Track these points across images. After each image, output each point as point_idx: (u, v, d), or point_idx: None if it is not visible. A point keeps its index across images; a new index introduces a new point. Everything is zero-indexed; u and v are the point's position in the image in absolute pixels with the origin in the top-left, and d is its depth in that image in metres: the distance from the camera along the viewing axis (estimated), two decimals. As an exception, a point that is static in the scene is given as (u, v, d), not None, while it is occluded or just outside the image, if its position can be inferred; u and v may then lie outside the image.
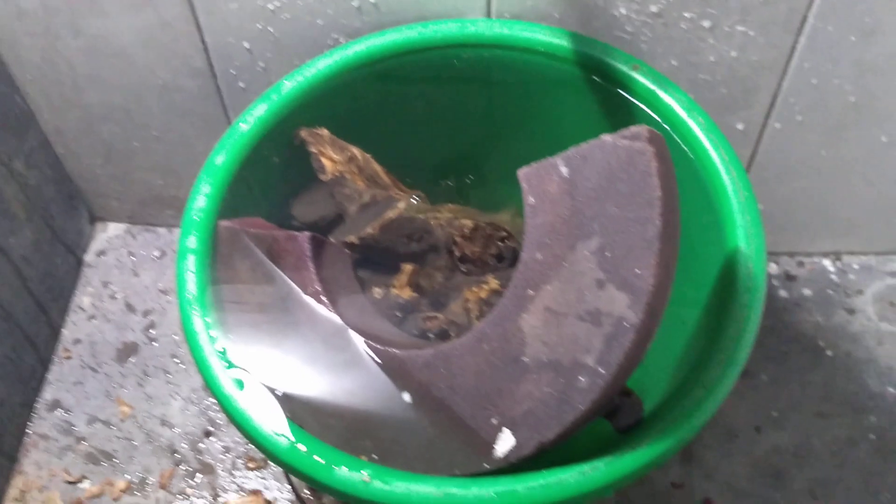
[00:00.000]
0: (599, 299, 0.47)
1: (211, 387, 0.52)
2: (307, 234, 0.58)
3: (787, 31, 0.69)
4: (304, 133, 0.65)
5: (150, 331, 0.92)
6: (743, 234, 0.57)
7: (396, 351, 0.53)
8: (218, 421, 0.86)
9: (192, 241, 0.58)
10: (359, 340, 0.55)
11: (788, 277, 0.93)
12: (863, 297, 0.91)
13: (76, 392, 0.88)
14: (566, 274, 0.48)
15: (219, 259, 0.58)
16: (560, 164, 0.48)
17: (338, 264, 0.60)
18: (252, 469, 0.83)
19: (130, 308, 0.94)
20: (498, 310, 0.50)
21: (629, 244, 0.46)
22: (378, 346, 0.54)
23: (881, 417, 0.84)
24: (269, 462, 0.83)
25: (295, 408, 0.52)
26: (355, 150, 0.66)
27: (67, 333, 0.92)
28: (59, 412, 0.87)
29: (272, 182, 0.66)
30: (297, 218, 0.65)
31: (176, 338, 0.91)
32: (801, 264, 0.94)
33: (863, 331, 0.89)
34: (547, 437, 0.48)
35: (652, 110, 0.64)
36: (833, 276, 0.93)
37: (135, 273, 0.96)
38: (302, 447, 0.49)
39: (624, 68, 0.64)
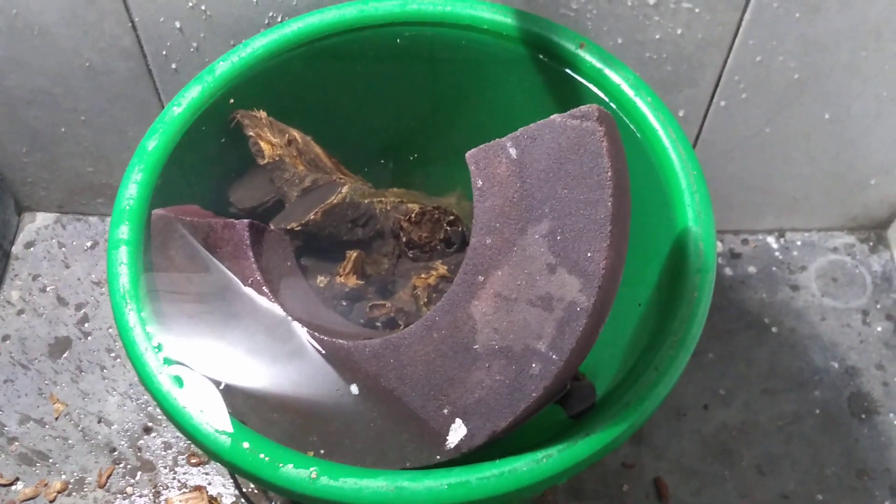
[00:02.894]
0: (551, 284, 0.45)
1: (147, 385, 0.50)
2: (245, 221, 0.56)
3: (733, 7, 0.69)
4: (240, 115, 0.62)
5: (84, 325, 0.88)
6: (692, 214, 0.56)
7: (343, 341, 0.51)
8: (158, 416, 0.83)
9: (124, 232, 0.55)
10: (302, 332, 0.53)
11: (733, 255, 0.94)
12: (806, 273, 0.92)
13: (7, 390, 0.84)
14: (517, 258, 0.46)
15: (153, 250, 0.55)
16: (509, 146, 0.47)
17: (279, 253, 0.57)
18: (194, 465, 0.80)
19: (62, 301, 0.90)
20: (448, 297, 0.48)
21: (580, 227, 0.45)
22: (323, 338, 0.52)
23: (825, 392, 0.85)
24: (212, 457, 0.81)
25: (237, 404, 0.49)
26: (295, 133, 0.64)
27: (-5, 329, 0.88)
28: (-12, 412, 0.83)
29: (208, 167, 0.63)
30: (236, 204, 0.62)
31: (111, 331, 0.88)
32: (745, 242, 0.95)
33: (806, 307, 0.90)
34: (499, 425, 0.47)
35: (599, 89, 0.63)
36: (777, 254, 0.94)
37: (66, 265, 0.92)
38: (245, 445, 0.47)
39: (570, 47, 0.63)
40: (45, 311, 0.89)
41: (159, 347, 0.50)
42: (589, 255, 0.45)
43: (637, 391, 0.50)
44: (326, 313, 0.57)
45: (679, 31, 0.71)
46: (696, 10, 0.69)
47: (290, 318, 0.53)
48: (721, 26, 0.70)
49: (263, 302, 0.54)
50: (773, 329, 0.89)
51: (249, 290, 0.54)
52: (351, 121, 0.68)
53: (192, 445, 0.81)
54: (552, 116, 0.46)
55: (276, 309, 0.54)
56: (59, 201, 0.94)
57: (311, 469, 0.46)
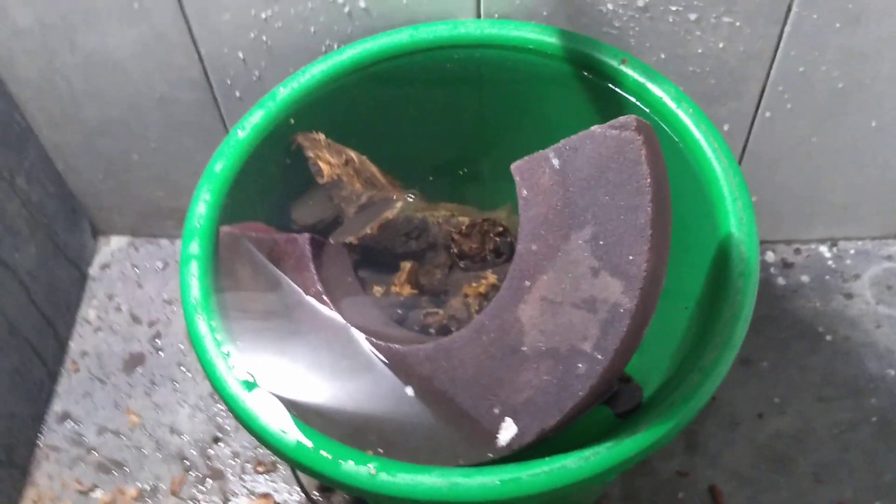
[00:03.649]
0: (594, 287, 0.48)
1: (218, 389, 0.53)
2: (307, 235, 0.59)
3: (773, 20, 0.70)
4: (300, 138, 0.66)
5: (156, 341, 0.93)
6: (735, 220, 0.58)
7: (398, 346, 0.54)
8: (226, 427, 0.87)
9: (195, 247, 0.59)
10: (361, 338, 0.56)
11: (786, 265, 0.94)
12: (860, 281, 0.92)
13: (85, 403, 0.89)
14: (561, 263, 0.49)
15: (221, 264, 0.59)
16: (551, 157, 0.49)
17: (338, 265, 0.61)
18: (261, 473, 0.84)
19: (136, 319, 0.95)
20: (496, 302, 0.51)
21: (621, 232, 0.47)
22: (380, 343, 0.55)
23: (881, 399, 0.85)
24: (278, 465, 0.84)
25: (300, 405, 0.52)
26: (352, 153, 0.67)
27: (74, 346, 0.93)
28: (68, 423, 0.88)
29: (271, 187, 0.67)
30: (297, 221, 0.66)
31: (182, 347, 0.92)
32: (797, 251, 0.95)
33: (861, 315, 0.90)
34: (548, 423, 0.49)
35: (642, 103, 0.65)
36: (830, 262, 0.94)
37: (139, 285, 0.97)
38: (308, 443, 0.50)
39: (613, 63, 0.65)
40: (120, 329, 0.94)
41: (228, 354, 0.54)
42: (630, 258, 0.47)
43: (682, 392, 0.51)
44: (383, 321, 0.60)
45: (721, 45, 0.73)
46: (737, 24, 0.71)
47: (348, 325, 0.56)
48: (762, 39, 0.72)
49: (324, 310, 0.57)
50: (828, 337, 0.89)
51: (311, 300, 0.58)
52: (404, 140, 0.72)
53: (259, 455, 0.85)
54: (592, 127, 0.48)
55: (336, 317, 0.57)
56: (131, 225, 0.99)
57: (370, 465, 0.49)
